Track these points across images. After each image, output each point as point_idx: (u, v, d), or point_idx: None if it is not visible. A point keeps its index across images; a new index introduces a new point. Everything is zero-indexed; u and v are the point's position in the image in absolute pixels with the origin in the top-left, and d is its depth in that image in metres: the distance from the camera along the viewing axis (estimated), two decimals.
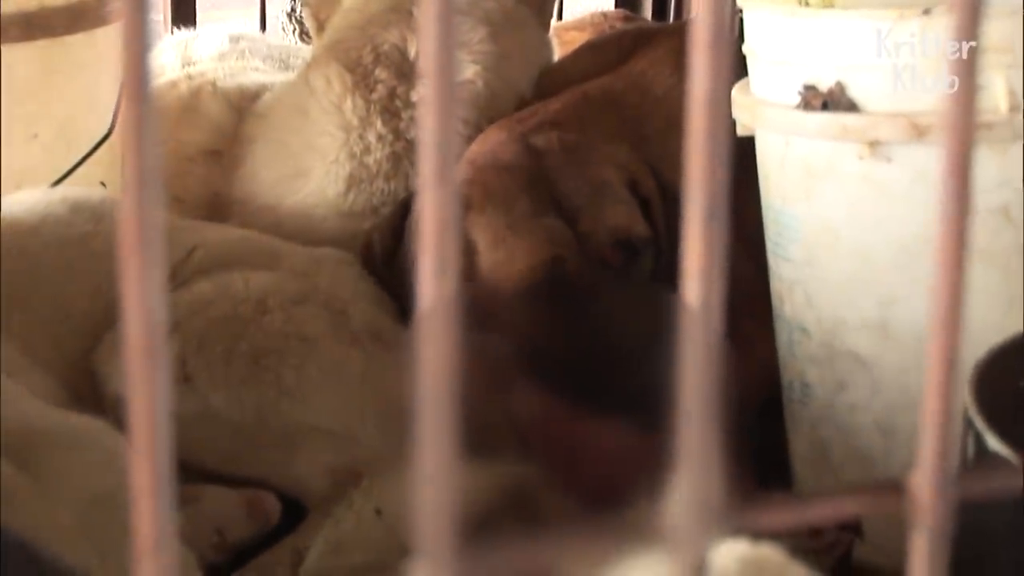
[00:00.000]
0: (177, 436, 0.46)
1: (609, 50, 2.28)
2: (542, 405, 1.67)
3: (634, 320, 1.68)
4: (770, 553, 0.83)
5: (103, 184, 2.15)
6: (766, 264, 1.76)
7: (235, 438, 1.71)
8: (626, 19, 2.90)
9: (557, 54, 2.36)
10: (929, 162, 1.53)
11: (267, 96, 2.28)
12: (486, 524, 1.48)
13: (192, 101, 2.30)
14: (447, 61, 0.44)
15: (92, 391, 1.72)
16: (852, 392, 1.65)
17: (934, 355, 0.50)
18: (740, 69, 1.72)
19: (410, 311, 1.80)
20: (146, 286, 0.44)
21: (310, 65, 2.25)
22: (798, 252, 1.66)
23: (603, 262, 1.78)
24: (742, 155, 1.73)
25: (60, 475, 1.36)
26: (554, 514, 1.57)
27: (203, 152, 2.24)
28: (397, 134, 2.13)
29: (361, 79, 2.16)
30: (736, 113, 1.69)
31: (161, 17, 2.91)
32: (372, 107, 2.14)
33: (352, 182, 2.13)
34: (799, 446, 1.74)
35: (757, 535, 0.83)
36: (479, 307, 1.72)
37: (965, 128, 0.49)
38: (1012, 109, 1.48)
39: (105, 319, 1.77)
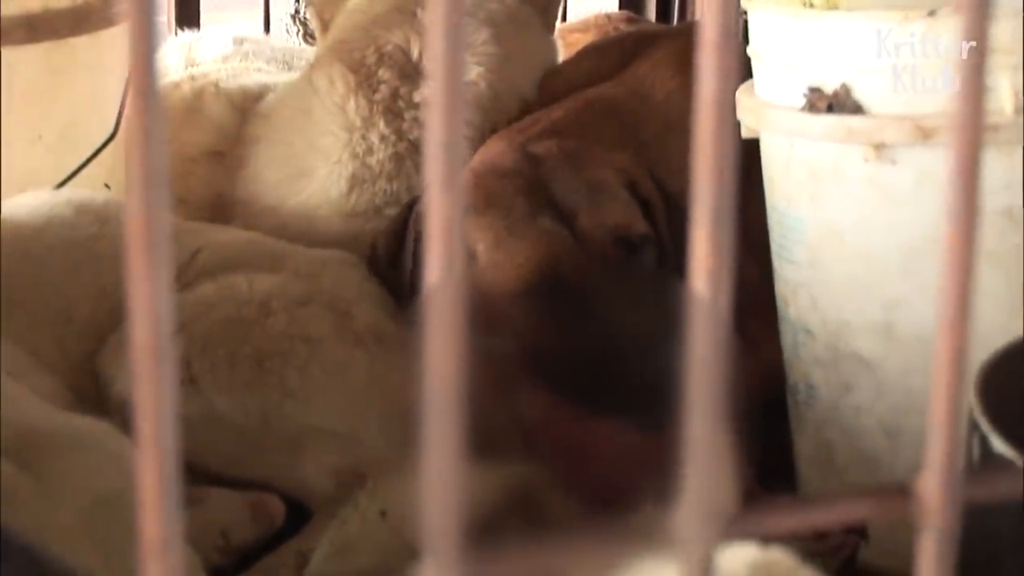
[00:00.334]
0: (181, 438, 0.46)
1: (612, 53, 2.28)
2: (546, 406, 1.67)
3: (636, 319, 1.68)
4: (780, 557, 0.83)
5: (107, 186, 2.15)
6: (771, 266, 1.76)
7: (239, 440, 1.71)
8: (630, 21, 2.90)
9: (561, 56, 2.36)
10: (934, 164, 1.53)
11: (270, 97, 2.28)
12: (491, 526, 1.48)
13: (195, 102, 2.30)
14: (455, 63, 0.43)
15: (97, 393, 1.72)
16: (857, 394, 1.65)
17: (942, 357, 0.50)
18: (745, 71, 1.72)
19: (413, 313, 1.80)
20: (153, 288, 0.44)
21: (313, 65, 2.25)
22: (803, 254, 1.66)
23: (603, 260, 1.78)
24: (746, 157, 1.72)
25: (63, 476, 1.36)
26: (559, 515, 1.57)
27: (206, 153, 2.24)
28: (400, 135, 2.13)
29: (364, 80, 2.16)
30: (741, 115, 1.69)
31: (165, 19, 2.91)
32: (375, 108, 2.14)
33: (355, 182, 2.13)
34: (804, 447, 1.74)
35: (766, 538, 0.83)
36: (479, 310, 1.72)
37: (973, 129, 0.49)
38: (1017, 111, 1.48)
39: (110, 321, 1.77)
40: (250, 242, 1.97)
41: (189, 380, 1.71)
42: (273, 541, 1.68)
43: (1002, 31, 1.45)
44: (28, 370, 1.67)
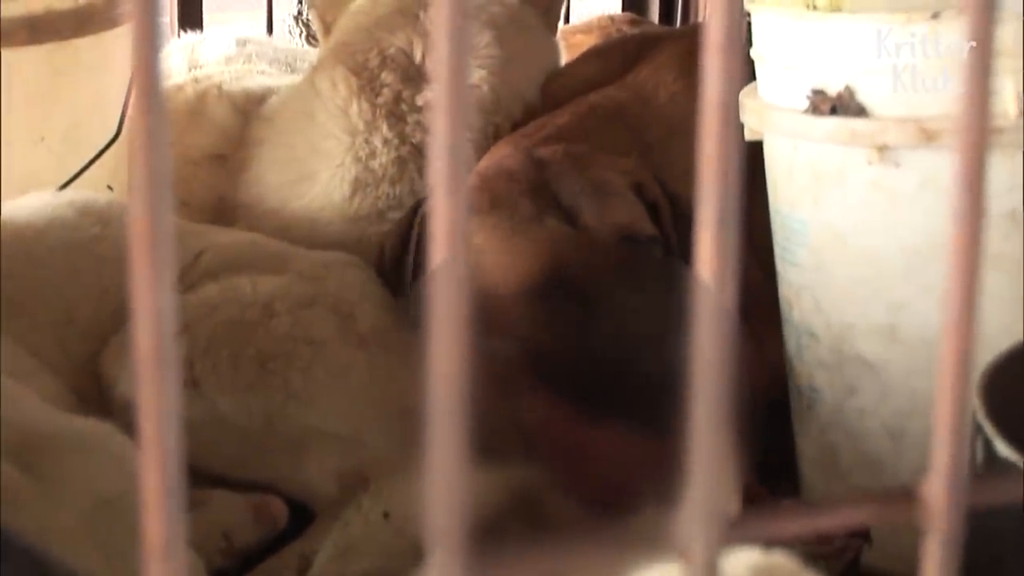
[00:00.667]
0: (184, 440, 0.46)
1: (614, 56, 2.28)
2: (548, 409, 1.67)
3: (642, 319, 1.68)
4: (782, 561, 0.83)
5: (110, 187, 2.14)
6: (774, 268, 1.76)
7: (242, 442, 1.71)
8: (633, 23, 2.90)
9: (564, 57, 2.36)
10: (938, 167, 1.53)
11: (273, 99, 2.28)
12: (493, 528, 1.48)
13: (198, 105, 2.29)
14: (459, 66, 0.43)
15: (99, 394, 1.72)
16: (861, 396, 1.65)
17: (946, 360, 0.50)
18: (748, 73, 1.72)
19: (418, 315, 1.80)
20: (156, 289, 0.44)
21: (316, 68, 2.25)
22: (806, 257, 1.66)
23: (609, 258, 1.78)
24: (750, 160, 1.72)
25: (65, 478, 1.36)
26: (561, 518, 1.57)
27: (208, 156, 2.24)
28: (403, 138, 2.13)
29: (367, 83, 2.15)
30: (744, 118, 1.69)
31: (168, 20, 2.91)
32: (378, 111, 2.14)
33: (358, 186, 2.12)
34: (808, 450, 1.74)
35: (769, 542, 0.83)
36: (484, 310, 1.72)
37: (978, 132, 0.49)
38: (1021, 114, 1.48)
39: (112, 322, 1.77)
40: (253, 244, 1.97)
41: (192, 382, 1.71)
42: (276, 543, 1.68)
43: (1006, 34, 1.45)
44: (30, 371, 1.67)
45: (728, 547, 0.50)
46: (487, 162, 1.92)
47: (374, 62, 2.17)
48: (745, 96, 1.69)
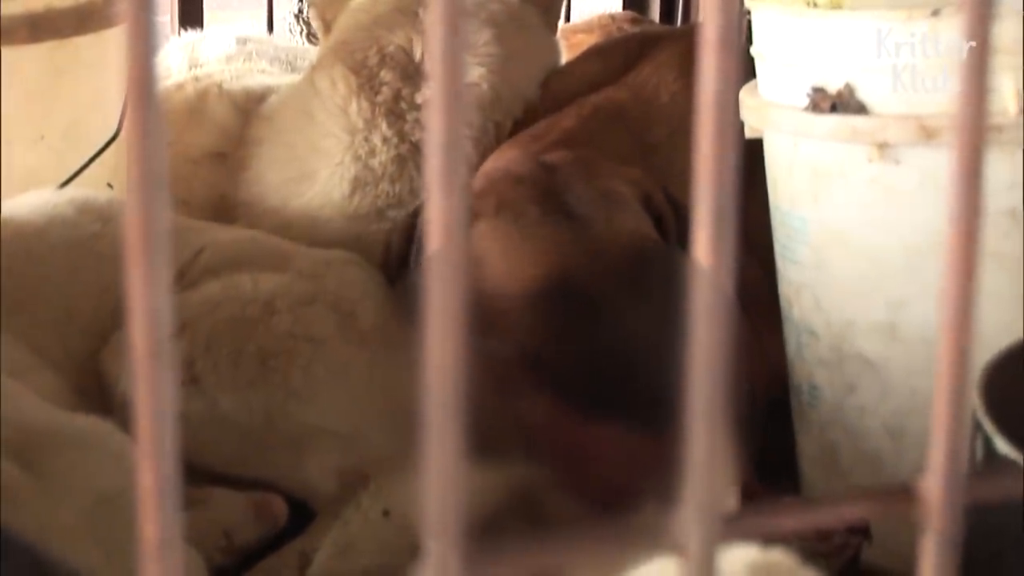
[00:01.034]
0: (184, 438, 0.46)
1: (615, 55, 2.28)
2: (548, 410, 1.67)
3: (647, 326, 1.67)
4: (780, 558, 0.83)
5: (110, 185, 2.15)
6: (774, 267, 1.76)
7: (243, 440, 1.71)
8: (634, 21, 2.90)
9: (564, 56, 2.36)
10: (938, 164, 1.53)
11: (273, 98, 2.28)
12: (492, 526, 1.48)
13: (198, 103, 2.30)
14: (455, 63, 0.43)
15: (100, 392, 1.72)
16: (861, 395, 1.65)
17: (944, 358, 0.50)
18: (748, 71, 1.72)
19: (414, 308, 1.80)
20: (151, 288, 0.44)
21: (315, 67, 2.25)
22: (807, 255, 1.66)
23: (615, 265, 1.78)
24: (750, 158, 1.72)
25: (65, 476, 1.36)
26: (560, 517, 1.57)
27: (209, 154, 2.24)
28: (402, 136, 2.13)
29: (366, 81, 2.15)
30: (744, 115, 1.69)
31: (168, 18, 2.91)
32: (377, 109, 2.14)
33: (357, 184, 2.12)
34: (808, 449, 1.74)
35: (767, 539, 0.83)
36: (489, 314, 1.71)
37: (976, 130, 0.49)
38: (1021, 111, 1.47)
39: (112, 320, 1.77)
40: (254, 241, 1.97)
41: (193, 379, 1.71)
42: (276, 541, 1.68)
43: (1005, 31, 1.45)
44: (31, 369, 1.68)
45: (725, 543, 0.50)
46: (493, 165, 1.92)
47: (373, 60, 2.17)
48: (745, 94, 1.69)
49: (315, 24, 2.38)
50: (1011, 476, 0.61)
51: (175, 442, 0.45)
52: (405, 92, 2.14)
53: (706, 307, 0.47)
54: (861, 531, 1.62)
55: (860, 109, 1.55)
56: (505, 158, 1.94)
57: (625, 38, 2.43)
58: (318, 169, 2.14)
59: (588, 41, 2.57)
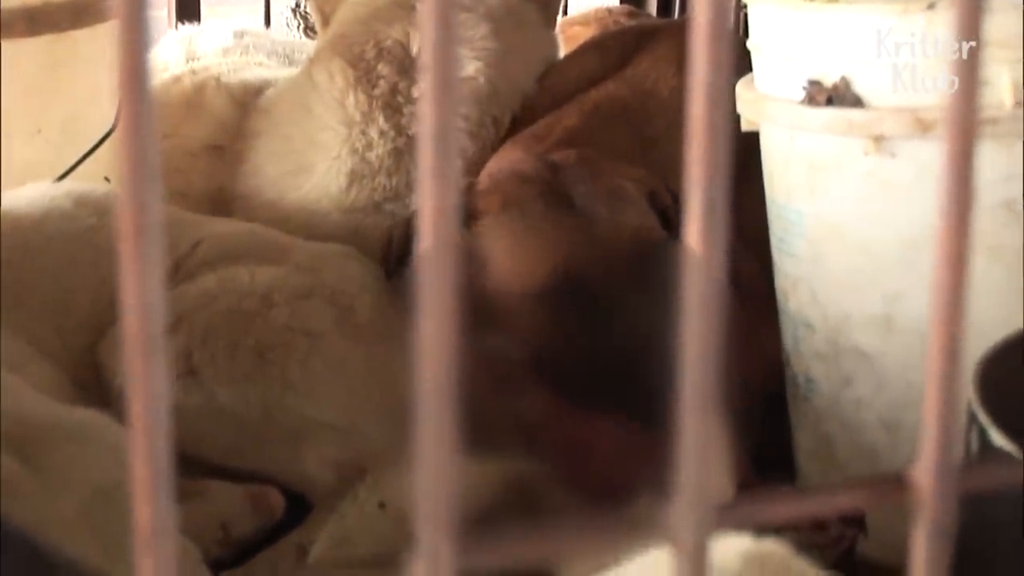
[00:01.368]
0: (181, 430, 0.46)
1: (612, 49, 2.28)
2: (549, 405, 1.67)
3: (653, 323, 1.67)
4: (773, 548, 0.83)
5: (107, 179, 2.15)
6: (770, 260, 1.76)
7: (240, 432, 1.71)
8: (631, 15, 2.90)
9: (562, 49, 2.36)
10: (933, 157, 1.53)
11: (270, 91, 2.28)
12: (488, 520, 1.48)
13: (195, 96, 2.30)
14: (446, 53, 0.43)
15: (98, 384, 1.73)
16: (857, 387, 1.65)
17: (935, 346, 0.50)
18: (745, 64, 1.72)
19: (408, 301, 1.80)
20: (144, 282, 0.44)
21: (313, 60, 2.25)
22: (803, 248, 1.66)
23: (622, 261, 1.78)
24: (747, 151, 1.73)
25: (63, 468, 1.37)
26: (557, 510, 1.57)
27: (206, 147, 2.24)
28: (399, 130, 2.13)
29: (363, 74, 2.16)
30: (741, 108, 1.69)
31: (165, 12, 2.91)
32: (374, 103, 2.14)
33: (354, 178, 2.13)
34: (804, 442, 1.74)
35: (760, 529, 0.83)
36: (493, 310, 1.72)
37: (967, 122, 0.49)
38: (1017, 104, 1.48)
39: (110, 313, 1.77)
40: (251, 234, 1.97)
41: (189, 371, 1.71)
42: (273, 534, 1.68)
43: (1001, 24, 1.45)
44: (28, 361, 1.68)
45: (718, 533, 0.50)
46: (497, 165, 1.93)
47: (370, 54, 2.17)
48: (741, 88, 1.70)
49: (313, 17, 2.38)
50: (1005, 466, 0.61)
51: (168, 432, 0.45)
52: (402, 86, 2.15)
53: (698, 298, 0.48)
54: (856, 523, 1.63)
55: (856, 102, 1.55)
56: (509, 158, 1.94)
57: (621, 31, 2.43)
58: (315, 162, 2.14)
59: (585, 34, 2.57)
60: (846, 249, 1.62)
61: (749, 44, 1.70)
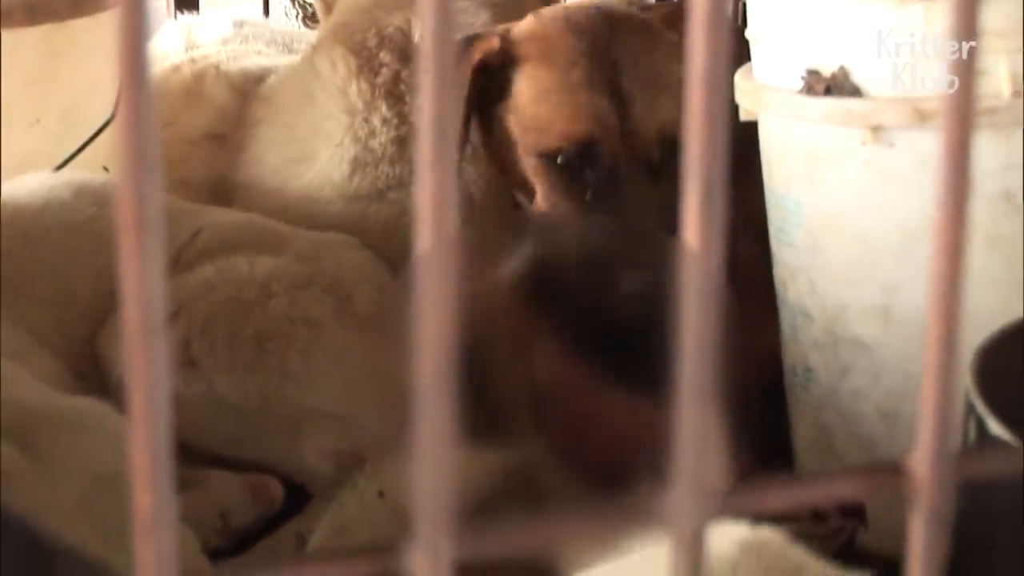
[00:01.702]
0: (181, 419, 0.46)
1: None
2: (563, 368, 1.67)
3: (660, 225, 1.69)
4: (770, 535, 0.84)
5: (106, 168, 2.15)
6: (768, 249, 1.76)
7: (239, 422, 1.72)
8: (628, 3, 2.90)
9: None
10: (931, 147, 1.53)
11: (272, 79, 2.28)
12: (489, 509, 1.48)
13: (195, 85, 2.30)
14: (444, 39, 0.44)
15: (97, 373, 1.73)
16: (855, 377, 1.65)
17: (933, 335, 0.51)
18: (744, 54, 1.72)
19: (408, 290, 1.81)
20: (145, 272, 0.44)
21: (315, 48, 2.25)
22: (801, 238, 1.66)
23: (643, 156, 1.79)
24: (745, 141, 1.73)
25: (63, 457, 1.37)
26: (558, 499, 1.57)
27: (207, 136, 2.24)
28: (402, 118, 2.13)
29: (366, 62, 2.15)
30: (739, 98, 1.69)
31: (164, 2, 2.91)
32: (377, 91, 2.14)
33: (357, 165, 2.12)
34: (802, 431, 1.74)
35: (758, 518, 0.84)
36: (505, 162, 1.74)
37: (964, 112, 0.49)
38: (1015, 94, 1.48)
39: (109, 302, 1.77)
40: (251, 223, 1.97)
41: (189, 361, 1.71)
42: (272, 523, 1.68)
43: (999, 14, 1.45)
44: (28, 351, 1.68)
45: (717, 520, 0.50)
46: (549, 10, 1.93)
47: (372, 42, 2.17)
48: (740, 77, 1.70)
49: (316, 5, 2.38)
50: (1002, 454, 0.61)
51: (168, 420, 0.45)
52: (404, 74, 2.15)
53: (696, 285, 0.48)
54: (856, 514, 1.63)
55: (854, 92, 1.55)
56: (563, 6, 1.95)
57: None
58: (318, 150, 2.14)
59: None
60: (844, 239, 1.62)
61: (748, 34, 1.69)
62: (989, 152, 1.49)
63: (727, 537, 0.81)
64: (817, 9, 1.58)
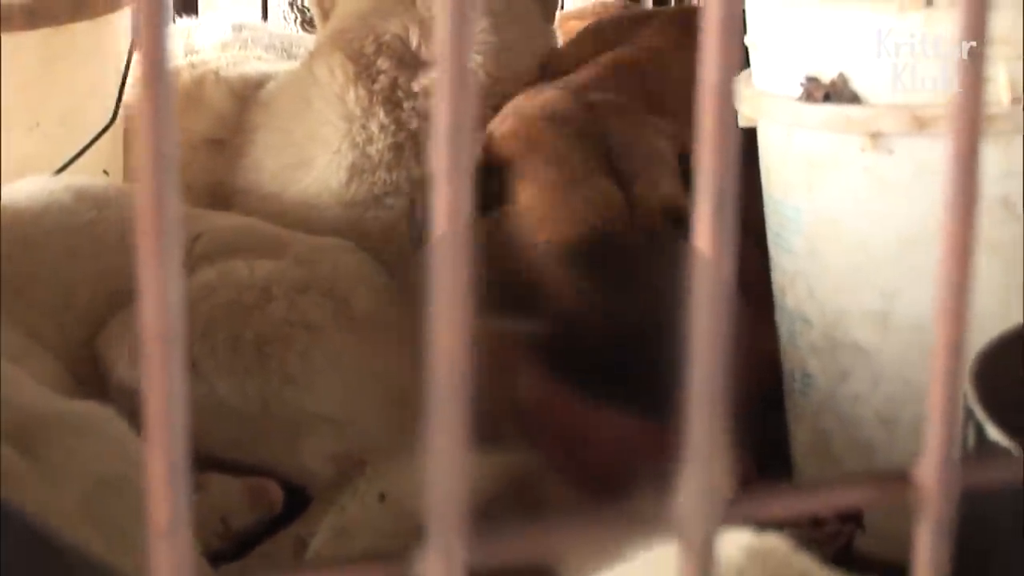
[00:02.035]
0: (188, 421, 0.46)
1: (609, 34, 2.28)
2: (547, 390, 1.67)
3: (672, 306, 1.67)
4: (775, 542, 0.84)
5: (105, 172, 2.15)
6: (767, 255, 1.76)
7: (239, 425, 1.72)
8: (626, 9, 2.91)
9: (560, 44, 2.36)
10: (930, 154, 1.53)
11: (271, 85, 2.28)
12: (488, 514, 1.48)
13: (195, 90, 2.30)
14: (461, 44, 0.44)
15: (96, 377, 1.73)
16: (853, 383, 1.65)
17: (940, 341, 0.51)
18: (742, 61, 1.72)
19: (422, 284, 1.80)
20: (162, 272, 0.44)
21: (313, 54, 2.25)
22: (800, 244, 1.67)
23: (650, 230, 1.77)
24: (744, 148, 1.73)
25: (64, 460, 1.37)
26: (557, 504, 1.58)
27: (206, 141, 2.25)
28: (399, 124, 2.14)
29: (363, 69, 2.16)
30: (738, 105, 1.69)
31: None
32: (374, 97, 2.14)
33: (354, 172, 2.13)
34: (800, 437, 1.75)
35: (762, 524, 0.84)
36: (519, 265, 1.71)
37: (972, 117, 0.49)
38: (1014, 101, 1.48)
39: (109, 306, 1.78)
40: (250, 228, 1.98)
41: (189, 364, 1.71)
42: (272, 526, 1.69)
43: (999, 21, 1.46)
44: (28, 355, 1.68)
45: (726, 526, 0.50)
46: (528, 102, 1.89)
47: (370, 48, 2.17)
48: (739, 84, 1.70)
49: (313, 12, 2.38)
50: (1005, 462, 0.61)
51: (185, 425, 0.46)
52: (402, 80, 2.15)
53: (708, 292, 0.48)
54: (854, 519, 1.63)
55: (853, 99, 1.56)
56: (540, 98, 1.90)
57: (617, 18, 2.44)
58: (315, 156, 2.15)
59: (581, 28, 2.58)
60: (843, 245, 1.63)
61: (747, 40, 1.70)
62: (988, 159, 1.49)
63: (733, 544, 0.82)
64: (816, 16, 1.59)
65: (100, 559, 1.14)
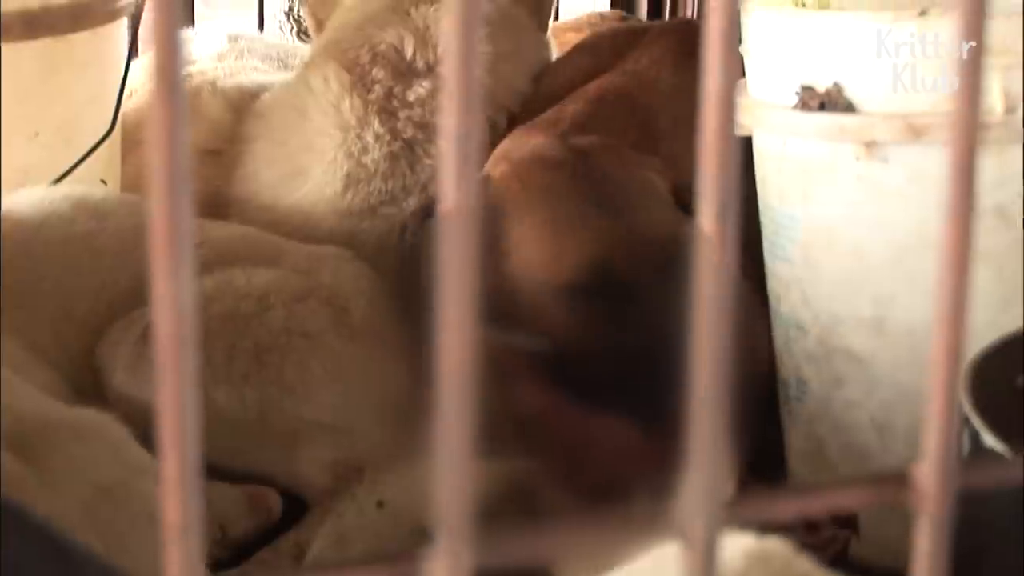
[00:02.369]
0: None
1: (605, 48, 2.28)
2: (545, 400, 1.67)
3: (676, 324, 1.67)
4: (776, 546, 0.84)
5: (104, 182, 2.15)
6: (761, 262, 1.77)
7: (237, 434, 1.72)
8: (622, 21, 2.91)
9: (555, 55, 2.37)
10: (925, 162, 1.54)
11: (266, 96, 2.29)
12: (489, 520, 1.49)
13: (192, 101, 2.30)
14: (469, 51, 0.45)
15: (95, 387, 1.73)
16: (848, 389, 1.66)
17: (938, 347, 0.51)
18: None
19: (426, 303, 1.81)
20: (175, 279, 0.45)
21: (308, 65, 2.26)
22: (795, 252, 1.68)
23: (654, 263, 1.77)
24: (740, 155, 1.73)
25: (65, 467, 1.37)
26: (556, 510, 1.58)
27: (202, 151, 2.25)
28: (394, 134, 2.14)
29: (359, 79, 2.16)
30: None
31: None
32: (370, 107, 2.15)
33: (350, 181, 2.13)
34: (795, 443, 1.75)
35: (766, 524, 0.84)
36: (514, 301, 1.71)
37: (971, 123, 0.50)
38: (1009, 111, 1.49)
39: (108, 316, 1.78)
40: (247, 237, 1.98)
41: None
42: (270, 534, 1.69)
43: (993, 31, 1.46)
44: (27, 365, 1.68)
45: (727, 529, 0.51)
46: (515, 147, 1.90)
47: (365, 58, 2.18)
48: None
49: (308, 22, 2.38)
50: (1001, 464, 0.62)
51: (197, 427, 0.46)
52: (397, 90, 2.15)
53: (710, 296, 0.49)
54: (849, 524, 1.64)
55: (848, 108, 1.56)
56: (528, 143, 1.91)
57: (613, 32, 2.44)
58: (311, 166, 2.15)
59: (578, 39, 2.58)
60: (838, 253, 1.64)
61: (741, 49, 1.71)
62: (982, 168, 1.50)
63: (734, 547, 0.82)
64: (811, 25, 1.60)
65: (108, 561, 1.14)
